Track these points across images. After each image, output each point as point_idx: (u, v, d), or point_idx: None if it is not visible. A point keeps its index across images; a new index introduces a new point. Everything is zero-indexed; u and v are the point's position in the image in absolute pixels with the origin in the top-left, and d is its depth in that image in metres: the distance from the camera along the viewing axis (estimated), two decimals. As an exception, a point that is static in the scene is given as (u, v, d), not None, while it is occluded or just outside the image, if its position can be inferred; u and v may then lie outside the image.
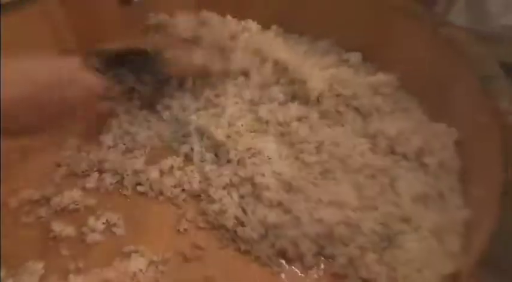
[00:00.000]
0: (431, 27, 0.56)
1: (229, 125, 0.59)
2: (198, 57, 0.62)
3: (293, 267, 0.48)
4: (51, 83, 0.43)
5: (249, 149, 0.55)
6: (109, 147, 0.60)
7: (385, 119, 0.58)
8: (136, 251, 0.49)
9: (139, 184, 0.56)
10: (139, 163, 0.57)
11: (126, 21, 0.69)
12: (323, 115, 0.60)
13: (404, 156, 0.54)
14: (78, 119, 0.55)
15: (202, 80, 0.64)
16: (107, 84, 0.54)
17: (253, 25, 0.72)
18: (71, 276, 0.47)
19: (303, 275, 0.48)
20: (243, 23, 0.72)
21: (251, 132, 0.59)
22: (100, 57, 0.54)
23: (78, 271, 0.48)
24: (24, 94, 0.40)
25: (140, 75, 0.59)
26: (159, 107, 0.63)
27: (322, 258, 0.48)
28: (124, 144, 0.61)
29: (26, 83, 0.41)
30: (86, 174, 0.58)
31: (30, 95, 0.41)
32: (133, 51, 0.57)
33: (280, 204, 0.51)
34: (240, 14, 0.74)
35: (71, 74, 0.46)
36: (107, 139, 0.61)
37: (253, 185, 0.53)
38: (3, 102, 0.38)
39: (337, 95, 0.61)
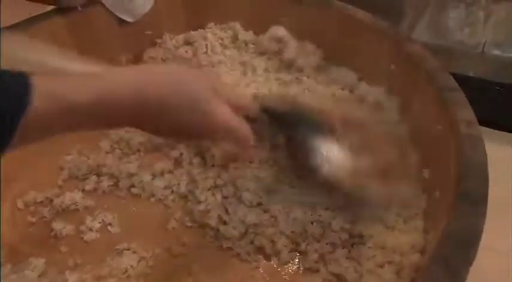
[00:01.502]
0: (394, 42, 0.55)
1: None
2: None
3: (271, 262, 0.47)
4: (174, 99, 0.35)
5: (232, 154, 0.54)
6: (106, 152, 0.59)
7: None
8: (128, 248, 0.48)
9: (133, 186, 0.55)
10: (133, 167, 0.56)
11: (125, 40, 0.68)
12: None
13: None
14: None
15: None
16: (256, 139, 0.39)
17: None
18: (68, 272, 0.46)
19: (279, 269, 0.47)
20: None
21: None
22: (264, 106, 0.41)
23: (75, 267, 0.47)
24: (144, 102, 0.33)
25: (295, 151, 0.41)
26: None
27: (297, 254, 0.47)
28: (120, 149, 0.60)
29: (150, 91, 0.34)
30: (85, 178, 0.57)
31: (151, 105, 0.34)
32: (302, 118, 0.41)
33: (259, 204, 0.50)
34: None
35: (201, 96, 0.36)
36: (105, 145, 0.60)
37: (235, 187, 0.51)
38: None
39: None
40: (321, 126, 0.40)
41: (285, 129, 0.41)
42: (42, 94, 0.29)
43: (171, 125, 0.36)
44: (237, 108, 0.38)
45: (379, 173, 0.39)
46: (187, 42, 0.72)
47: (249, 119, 0.39)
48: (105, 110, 0.32)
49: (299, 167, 0.42)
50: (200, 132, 0.37)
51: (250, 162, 0.53)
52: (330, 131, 0.40)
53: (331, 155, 0.39)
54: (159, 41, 0.71)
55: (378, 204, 0.40)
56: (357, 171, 0.38)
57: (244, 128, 0.38)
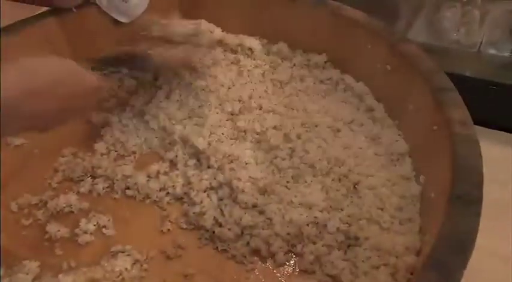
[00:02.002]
0: (389, 42, 0.55)
1: (211, 133, 0.57)
2: (178, 52, 0.61)
3: (266, 264, 0.47)
4: (54, 80, 0.41)
5: (228, 156, 0.54)
6: (102, 154, 0.59)
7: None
8: (123, 251, 0.48)
9: (128, 188, 0.55)
10: (128, 169, 0.56)
11: (118, 38, 0.68)
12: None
13: (366, 162, 0.53)
14: (80, 114, 0.54)
15: (187, 91, 0.63)
16: (104, 80, 0.51)
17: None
18: (62, 275, 0.45)
19: (275, 271, 0.46)
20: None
21: (230, 139, 0.57)
22: (96, 61, 0.55)
23: (69, 270, 0.47)
24: (26, 91, 0.38)
25: (133, 72, 0.62)
26: (147, 117, 0.61)
27: (293, 256, 0.47)
28: (116, 151, 0.59)
29: (28, 80, 0.39)
30: (80, 180, 0.56)
31: (33, 91, 0.39)
32: (124, 54, 0.59)
33: (255, 206, 0.50)
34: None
35: (71, 71, 0.44)
36: (100, 147, 0.59)
37: (231, 188, 0.51)
38: (4, 100, 0.36)
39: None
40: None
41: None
42: None
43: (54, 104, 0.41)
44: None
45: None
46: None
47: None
48: None
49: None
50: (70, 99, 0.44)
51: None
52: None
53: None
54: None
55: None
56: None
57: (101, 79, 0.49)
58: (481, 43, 0.68)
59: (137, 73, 0.64)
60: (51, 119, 0.44)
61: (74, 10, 0.62)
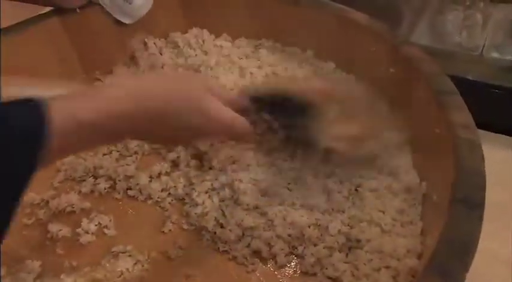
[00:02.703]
0: (392, 45, 0.55)
1: (213, 134, 0.57)
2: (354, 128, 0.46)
3: (267, 265, 0.47)
4: (177, 107, 0.37)
5: (229, 157, 0.54)
6: (104, 154, 0.59)
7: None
8: (124, 251, 0.48)
9: (129, 189, 0.55)
10: (130, 169, 0.56)
11: (123, 42, 0.68)
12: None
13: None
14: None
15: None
16: (250, 127, 0.43)
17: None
18: (63, 275, 0.45)
19: (276, 273, 0.46)
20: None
21: (232, 141, 0.57)
22: (252, 97, 0.44)
23: (71, 269, 0.47)
24: (144, 113, 0.36)
25: (291, 131, 0.45)
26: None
27: (294, 258, 0.47)
28: (118, 151, 0.59)
29: (150, 102, 0.36)
30: (82, 179, 0.57)
31: (153, 115, 0.36)
32: (289, 100, 0.44)
33: (256, 207, 0.50)
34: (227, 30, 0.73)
35: (201, 102, 0.38)
36: (102, 147, 0.59)
37: (232, 190, 0.51)
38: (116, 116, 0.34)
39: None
40: (307, 103, 0.44)
41: (275, 113, 0.44)
42: (59, 117, 0.30)
43: (171, 130, 0.38)
44: (229, 103, 0.41)
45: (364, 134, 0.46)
46: (185, 44, 0.72)
47: (241, 111, 0.42)
48: (108, 126, 0.34)
49: (296, 146, 0.48)
50: (199, 131, 0.40)
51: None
52: (316, 106, 0.44)
53: (323, 127, 0.44)
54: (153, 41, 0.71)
55: (369, 156, 0.47)
56: (347, 137, 0.44)
57: (239, 120, 0.41)
58: (484, 46, 0.68)
59: (294, 133, 0.46)
60: (168, 139, 0.42)
61: (78, 10, 0.63)
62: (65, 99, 0.32)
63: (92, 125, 0.33)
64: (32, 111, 0.30)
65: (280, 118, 0.44)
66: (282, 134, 0.45)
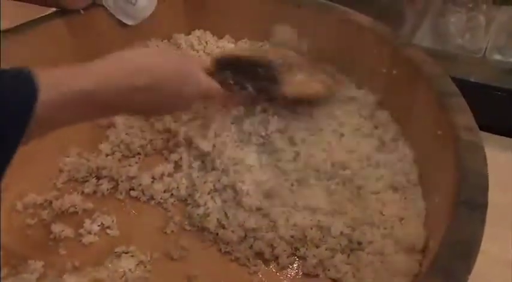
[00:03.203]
0: (395, 47, 0.55)
1: (216, 136, 0.57)
2: (317, 83, 0.57)
3: (269, 267, 0.47)
4: (167, 78, 0.42)
5: (232, 158, 0.54)
6: (107, 155, 0.59)
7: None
8: (126, 252, 0.48)
9: (132, 189, 0.55)
10: (133, 170, 0.56)
11: (126, 43, 0.68)
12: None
13: (371, 167, 0.53)
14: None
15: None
16: (224, 90, 0.51)
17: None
18: (66, 275, 0.45)
19: (278, 274, 0.46)
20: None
21: (235, 142, 0.57)
22: (216, 62, 0.53)
23: (73, 270, 0.47)
24: (140, 84, 0.39)
25: (256, 86, 0.54)
26: (152, 119, 0.62)
27: (296, 259, 0.47)
28: (120, 152, 0.60)
29: (144, 74, 0.39)
30: (85, 180, 0.57)
31: (148, 85, 0.39)
32: (254, 61, 0.54)
33: (258, 209, 0.50)
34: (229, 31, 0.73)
35: (189, 73, 0.44)
36: (105, 147, 0.60)
37: (235, 191, 0.51)
38: (119, 89, 0.37)
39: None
40: (265, 64, 0.54)
41: (242, 73, 0.53)
42: (47, 86, 0.32)
43: (164, 98, 0.42)
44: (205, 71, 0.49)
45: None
46: (188, 45, 0.72)
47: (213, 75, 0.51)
48: (103, 96, 0.36)
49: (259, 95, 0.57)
50: (189, 101, 0.47)
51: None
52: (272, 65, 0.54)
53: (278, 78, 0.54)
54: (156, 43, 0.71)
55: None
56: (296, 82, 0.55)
57: (217, 87, 0.49)
58: (486, 48, 0.68)
59: (260, 88, 0.55)
60: (157, 110, 0.46)
61: (81, 12, 0.63)
62: (58, 70, 0.34)
63: (90, 95, 0.35)
64: (23, 78, 0.31)
65: (245, 77, 0.53)
66: (249, 88, 0.54)
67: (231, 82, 0.53)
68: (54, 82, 0.33)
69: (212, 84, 0.48)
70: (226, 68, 0.53)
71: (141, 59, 0.41)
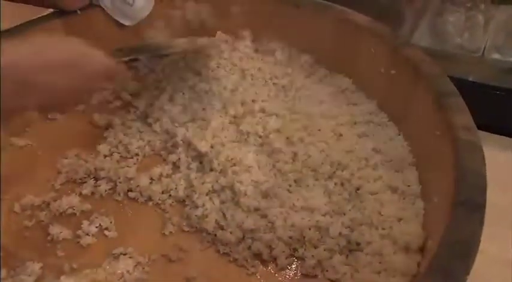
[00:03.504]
0: (393, 47, 0.55)
1: (214, 136, 0.57)
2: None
3: (268, 268, 0.47)
4: (65, 58, 0.42)
5: (230, 159, 0.54)
6: (105, 156, 0.59)
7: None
8: (125, 253, 0.48)
9: (130, 190, 0.55)
10: (131, 171, 0.56)
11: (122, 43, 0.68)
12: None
13: (369, 167, 0.52)
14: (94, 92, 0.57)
15: (191, 94, 0.63)
16: (120, 65, 0.52)
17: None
18: (64, 277, 0.45)
19: (276, 275, 0.46)
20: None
21: (233, 142, 0.57)
22: (118, 49, 0.56)
23: (71, 272, 0.47)
24: (38, 64, 0.39)
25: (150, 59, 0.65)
26: (150, 120, 0.62)
27: (295, 260, 0.47)
28: (118, 153, 0.59)
29: (40, 55, 0.40)
30: (83, 181, 0.57)
31: (45, 65, 0.40)
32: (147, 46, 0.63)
33: (257, 209, 0.50)
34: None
35: (81, 51, 0.45)
36: (103, 149, 0.60)
37: (233, 192, 0.51)
38: (18, 71, 0.38)
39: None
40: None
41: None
42: None
43: (67, 80, 0.42)
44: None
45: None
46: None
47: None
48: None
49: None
50: (89, 81, 0.46)
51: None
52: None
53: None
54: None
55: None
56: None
57: (118, 64, 0.50)
58: (485, 48, 0.68)
59: (153, 61, 0.66)
60: (65, 97, 0.44)
61: (79, 12, 0.63)
62: None
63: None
64: None
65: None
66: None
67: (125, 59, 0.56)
68: None
69: (114, 63, 0.49)
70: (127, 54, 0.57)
71: (44, 42, 0.42)
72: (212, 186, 0.53)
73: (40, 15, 0.63)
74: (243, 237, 0.48)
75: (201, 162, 0.56)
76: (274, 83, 0.66)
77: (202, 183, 0.53)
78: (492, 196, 0.36)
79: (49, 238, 0.50)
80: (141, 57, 0.60)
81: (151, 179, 0.55)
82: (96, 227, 0.51)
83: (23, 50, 0.39)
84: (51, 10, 0.64)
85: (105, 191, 0.55)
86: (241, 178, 0.52)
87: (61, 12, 0.62)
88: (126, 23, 0.66)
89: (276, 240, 0.47)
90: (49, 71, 0.40)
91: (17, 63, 0.38)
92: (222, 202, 0.51)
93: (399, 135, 0.55)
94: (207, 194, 0.52)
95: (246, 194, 0.50)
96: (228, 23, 0.72)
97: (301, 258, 0.46)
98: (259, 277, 0.46)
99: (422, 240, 0.42)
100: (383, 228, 0.46)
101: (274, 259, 0.47)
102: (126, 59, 0.56)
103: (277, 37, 0.70)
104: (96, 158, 0.59)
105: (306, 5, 0.65)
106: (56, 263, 0.48)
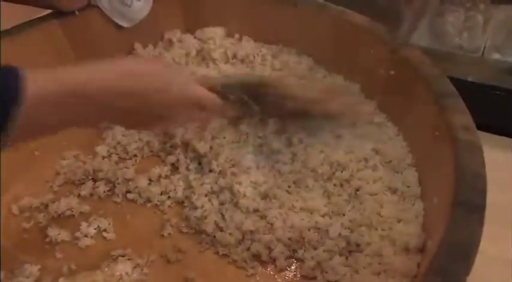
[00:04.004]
0: (392, 47, 0.55)
1: (212, 137, 0.57)
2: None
3: (267, 269, 0.47)
4: (153, 88, 0.39)
5: (229, 160, 0.54)
6: (103, 157, 0.59)
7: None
8: (123, 255, 0.48)
9: (129, 192, 0.55)
10: (130, 172, 0.56)
11: (122, 45, 0.68)
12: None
13: (368, 168, 0.52)
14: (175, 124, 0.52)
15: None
16: (223, 104, 0.46)
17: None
18: (62, 279, 0.45)
19: (276, 276, 0.46)
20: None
21: (232, 143, 0.57)
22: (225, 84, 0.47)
23: (69, 273, 0.47)
24: (121, 91, 0.37)
25: (261, 105, 0.49)
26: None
27: (294, 261, 0.47)
28: (117, 154, 0.59)
29: (132, 78, 0.38)
30: (81, 183, 0.57)
31: (134, 90, 0.38)
32: (252, 86, 0.49)
33: (256, 211, 0.50)
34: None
35: (177, 80, 0.42)
36: (102, 150, 0.60)
37: (232, 193, 0.51)
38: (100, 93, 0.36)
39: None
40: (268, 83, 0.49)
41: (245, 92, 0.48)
42: (35, 79, 0.32)
43: (150, 108, 0.40)
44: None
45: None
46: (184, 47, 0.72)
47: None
48: (93, 92, 0.36)
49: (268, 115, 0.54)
50: (175, 108, 0.42)
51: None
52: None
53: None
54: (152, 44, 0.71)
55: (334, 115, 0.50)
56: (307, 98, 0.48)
57: (211, 95, 0.44)
58: (485, 48, 0.68)
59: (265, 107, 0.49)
60: (141, 121, 0.42)
61: (77, 13, 0.63)
62: (46, 69, 0.34)
63: (79, 89, 0.34)
64: (10, 71, 0.32)
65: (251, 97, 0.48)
66: (254, 107, 0.48)
67: (232, 97, 0.47)
68: (44, 77, 0.33)
69: (205, 92, 0.44)
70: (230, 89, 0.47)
71: (131, 65, 0.40)
72: (211, 187, 0.53)
73: (38, 16, 0.63)
74: (242, 238, 0.48)
75: (199, 163, 0.56)
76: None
77: (201, 185, 0.53)
78: (492, 196, 0.36)
79: (47, 240, 0.50)
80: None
81: (150, 180, 0.55)
82: (95, 229, 0.51)
83: (111, 75, 0.37)
84: (49, 11, 0.64)
85: (104, 192, 0.55)
86: (240, 179, 0.52)
87: (59, 13, 0.62)
88: (124, 24, 0.66)
89: (275, 241, 0.47)
90: (131, 97, 0.38)
91: (100, 87, 0.36)
92: (221, 203, 0.51)
93: (399, 135, 0.55)
94: (206, 195, 0.52)
95: (245, 195, 0.50)
96: (223, 24, 0.72)
97: (301, 260, 0.46)
98: (258, 278, 0.46)
99: (422, 241, 0.42)
100: (383, 229, 0.46)
101: (274, 260, 0.47)
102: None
103: (276, 37, 0.70)
104: (94, 159, 0.59)
105: (304, 4, 0.65)
106: (54, 265, 0.48)
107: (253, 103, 0.48)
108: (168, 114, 0.42)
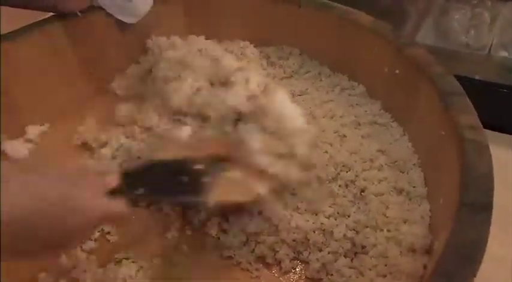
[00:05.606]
0: (397, 46, 0.54)
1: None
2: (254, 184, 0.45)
3: (272, 271, 0.47)
4: (62, 206, 0.35)
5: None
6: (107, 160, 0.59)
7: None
8: (127, 258, 0.48)
9: (132, 194, 0.55)
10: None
11: (125, 45, 0.68)
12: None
13: (374, 168, 0.52)
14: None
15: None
16: (127, 208, 0.40)
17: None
18: (65, 282, 0.45)
19: (281, 278, 0.46)
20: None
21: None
22: (131, 176, 0.41)
23: (73, 277, 0.47)
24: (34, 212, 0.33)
25: (174, 202, 0.47)
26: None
27: (299, 263, 0.47)
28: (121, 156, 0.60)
29: (36, 200, 0.34)
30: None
31: (42, 213, 0.34)
32: (173, 167, 0.44)
33: (260, 212, 0.50)
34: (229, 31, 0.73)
35: (78, 200, 0.36)
36: (105, 152, 0.60)
37: (236, 194, 0.51)
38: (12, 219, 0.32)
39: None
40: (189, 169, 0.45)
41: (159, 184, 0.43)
42: None
43: (46, 232, 0.35)
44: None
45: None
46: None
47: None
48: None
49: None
50: (77, 233, 0.37)
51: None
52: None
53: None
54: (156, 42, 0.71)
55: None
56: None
57: (116, 211, 0.39)
58: (491, 45, 0.68)
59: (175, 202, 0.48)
60: (66, 239, 0.37)
61: (79, 14, 0.63)
62: None
63: None
64: None
65: (161, 191, 0.43)
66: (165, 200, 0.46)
67: (142, 205, 0.45)
68: None
69: (110, 207, 0.38)
70: (139, 180, 0.42)
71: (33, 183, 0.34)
72: (215, 189, 0.53)
73: (41, 19, 0.63)
74: (247, 240, 0.48)
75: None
76: (277, 84, 0.66)
77: (205, 186, 0.53)
78: (498, 195, 0.36)
79: (51, 243, 0.50)
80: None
81: (154, 182, 0.55)
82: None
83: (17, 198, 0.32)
84: (51, 14, 0.64)
85: (107, 194, 0.55)
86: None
87: (61, 15, 0.62)
88: (127, 20, 0.65)
89: (280, 243, 0.47)
90: (46, 217, 0.34)
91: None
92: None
93: (404, 135, 0.55)
94: (209, 197, 0.52)
95: (248, 196, 0.50)
96: (226, 25, 0.72)
97: (306, 262, 0.46)
98: (263, 281, 0.46)
99: (428, 242, 0.42)
100: (388, 230, 0.46)
101: (278, 262, 0.47)
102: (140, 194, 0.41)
103: (280, 38, 0.70)
104: (98, 162, 0.59)
105: (308, 4, 0.65)
106: (57, 269, 0.48)
107: (163, 201, 0.45)
108: (68, 238, 0.37)
